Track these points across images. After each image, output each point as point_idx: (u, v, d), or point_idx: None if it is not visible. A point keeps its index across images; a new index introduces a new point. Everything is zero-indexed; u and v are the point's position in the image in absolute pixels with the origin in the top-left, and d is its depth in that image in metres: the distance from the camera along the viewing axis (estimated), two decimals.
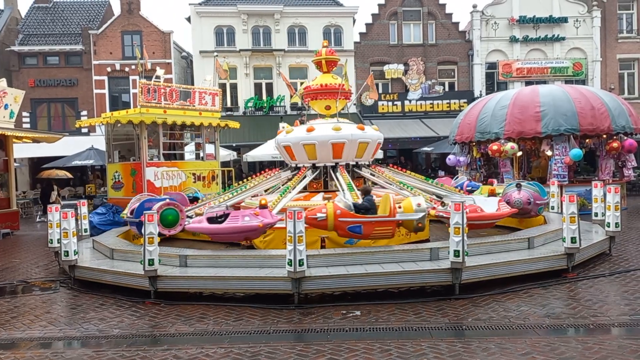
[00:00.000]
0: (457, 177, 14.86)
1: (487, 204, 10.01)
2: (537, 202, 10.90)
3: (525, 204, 10.69)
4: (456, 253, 7.43)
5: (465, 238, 7.46)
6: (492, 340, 5.83)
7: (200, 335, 6.38)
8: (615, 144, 16.80)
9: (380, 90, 29.87)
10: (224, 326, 6.65)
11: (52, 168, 24.50)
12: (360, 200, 9.22)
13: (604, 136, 17.02)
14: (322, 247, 9.44)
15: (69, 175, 25.19)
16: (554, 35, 29.61)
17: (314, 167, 11.42)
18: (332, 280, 7.61)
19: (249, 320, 6.84)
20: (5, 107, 16.52)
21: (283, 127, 12.48)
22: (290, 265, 7.24)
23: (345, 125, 11.15)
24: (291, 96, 24.28)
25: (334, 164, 11.21)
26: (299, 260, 7.23)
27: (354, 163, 11.37)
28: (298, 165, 11.67)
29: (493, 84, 29.92)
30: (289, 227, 7.27)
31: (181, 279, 8.04)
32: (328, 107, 11.82)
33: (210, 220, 9.29)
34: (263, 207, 9.14)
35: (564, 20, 29.55)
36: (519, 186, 11.00)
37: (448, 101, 29.34)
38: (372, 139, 11.35)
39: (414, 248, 8.62)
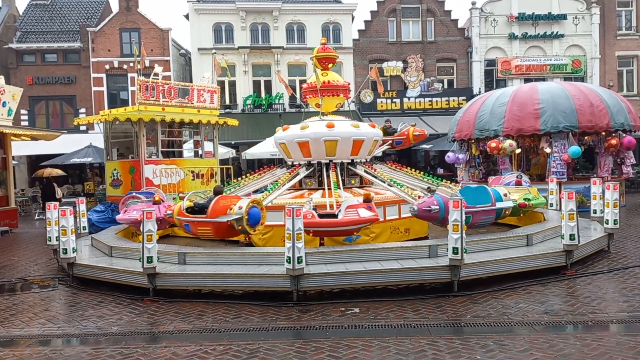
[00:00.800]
0: (511, 172, 13.62)
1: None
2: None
3: (423, 212, 8.88)
4: (455, 250, 7.43)
5: (464, 235, 7.46)
6: (491, 337, 5.83)
7: (199, 332, 6.38)
8: (614, 141, 16.80)
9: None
10: (222, 323, 6.65)
11: (48, 166, 24.46)
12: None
13: (603, 133, 17.03)
14: (321, 244, 9.44)
15: (64, 173, 25.14)
16: (552, 32, 29.60)
17: (291, 166, 11.55)
18: (330, 277, 7.62)
19: (248, 318, 6.84)
20: (4, 104, 16.50)
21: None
22: (289, 263, 7.24)
23: (313, 123, 11.08)
24: (290, 96, 24.27)
25: (307, 163, 11.23)
26: (298, 258, 7.22)
27: (327, 162, 11.08)
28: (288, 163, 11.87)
29: (492, 81, 29.92)
30: (288, 225, 7.27)
31: (180, 276, 8.04)
32: (319, 105, 11.79)
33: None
34: (156, 202, 9.97)
35: (563, 17, 29.53)
36: (429, 190, 9.74)
37: (447, 98, 29.33)
38: (342, 137, 10.79)
39: (413, 245, 8.62)
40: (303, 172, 11.06)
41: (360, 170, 11.28)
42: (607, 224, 9.93)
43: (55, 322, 6.99)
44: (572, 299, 7.19)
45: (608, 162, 17.50)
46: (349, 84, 12.21)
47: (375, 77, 12.97)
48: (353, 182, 11.41)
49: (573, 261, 8.71)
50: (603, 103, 16.48)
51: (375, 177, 11.00)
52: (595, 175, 16.24)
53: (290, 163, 11.69)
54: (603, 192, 10.21)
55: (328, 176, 10.61)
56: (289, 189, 11.02)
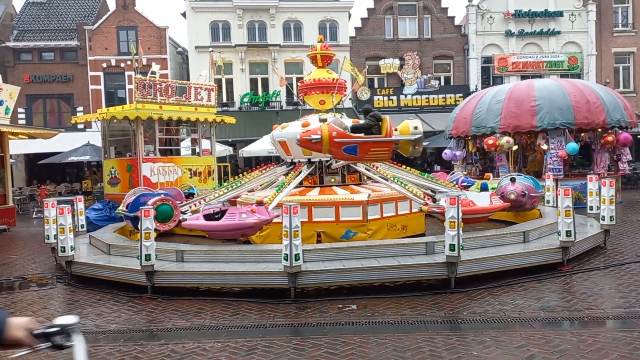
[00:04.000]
0: (453, 172, 14.81)
1: (480, 199, 9.99)
2: (532, 194, 10.94)
3: (520, 196, 10.75)
4: (452, 247, 7.46)
5: (460, 232, 7.49)
6: (488, 333, 5.86)
7: (197, 329, 6.40)
8: (610, 138, 16.85)
9: (376, 85, 29.90)
10: (220, 321, 6.67)
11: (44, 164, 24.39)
12: (362, 121, 9.31)
13: (599, 130, 17.07)
14: (318, 241, 9.48)
15: None
16: (549, 29, 29.62)
17: (291, 163, 11.58)
18: (328, 274, 7.64)
19: (246, 315, 6.86)
20: (1, 103, 16.45)
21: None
22: (287, 260, 7.26)
23: (313, 121, 11.10)
24: (287, 91, 24.21)
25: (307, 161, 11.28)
26: (295, 255, 7.25)
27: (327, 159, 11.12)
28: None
29: (489, 78, 29.94)
30: (285, 222, 7.29)
31: (178, 274, 8.06)
32: (323, 102, 11.80)
33: (207, 217, 9.29)
34: (260, 203, 9.14)
35: (560, 14, 29.57)
36: (513, 180, 11.03)
37: (444, 96, 29.35)
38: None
39: (410, 242, 8.66)
40: (305, 170, 11.04)
41: (360, 167, 11.30)
42: (604, 220, 9.96)
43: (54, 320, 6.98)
44: (569, 295, 7.23)
45: (604, 159, 17.55)
46: (345, 81, 12.19)
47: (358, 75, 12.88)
48: (332, 180, 11.39)
49: (569, 257, 8.75)
50: (599, 100, 16.52)
51: (376, 174, 11.05)
52: (591, 172, 16.29)
53: (289, 161, 11.68)
54: (599, 188, 10.25)
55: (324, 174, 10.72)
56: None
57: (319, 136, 8.47)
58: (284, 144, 11.32)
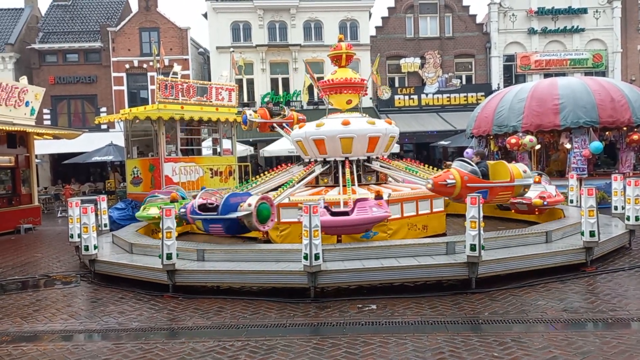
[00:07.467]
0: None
1: None
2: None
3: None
4: (472, 247, 7.38)
5: (481, 232, 7.42)
6: (509, 334, 5.80)
7: (217, 328, 6.45)
8: (635, 136, 16.50)
9: (397, 84, 29.78)
10: (241, 319, 6.71)
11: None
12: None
13: (624, 128, 16.75)
14: (338, 241, 9.45)
15: None
16: (573, 27, 29.19)
17: (308, 163, 11.63)
18: (348, 274, 7.63)
19: (266, 314, 6.89)
20: (27, 104, 16.80)
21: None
22: (306, 260, 7.27)
23: (329, 120, 11.11)
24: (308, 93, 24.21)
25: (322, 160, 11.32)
26: (315, 255, 7.25)
27: (342, 159, 11.15)
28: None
29: (511, 76, 29.64)
30: (305, 222, 7.30)
31: (199, 272, 8.13)
32: (349, 101, 11.74)
33: (333, 213, 8.90)
34: (379, 197, 9.07)
35: (584, 11, 29.12)
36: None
37: (465, 94, 29.12)
38: (358, 134, 10.72)
39: (430, 242, 8.60)
40: (319, 169, 11.04)
41: (376, 165, 11.24)
42: (629, 220, 9.76)
43: (77, 317, 7.12)
44: (592, 297, 7.11)
45: (630, 158, 17.21)
46: (364, 80, 12.12)
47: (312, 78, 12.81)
48: (370, 178, 11.38)
49: (593, 258, 8.60)
50: (624, 98, 16.22)
51: (390, 168, 11.00)
52: (616, 171, 15.99)
53: (307, 160, 11.70)
54: (624, 188, 10.06)
55: (344, 173, 10.59)
56: (306, 186, 11.04)
57: (454, 181, 8.84)
58: (320, 142, 11.12)
